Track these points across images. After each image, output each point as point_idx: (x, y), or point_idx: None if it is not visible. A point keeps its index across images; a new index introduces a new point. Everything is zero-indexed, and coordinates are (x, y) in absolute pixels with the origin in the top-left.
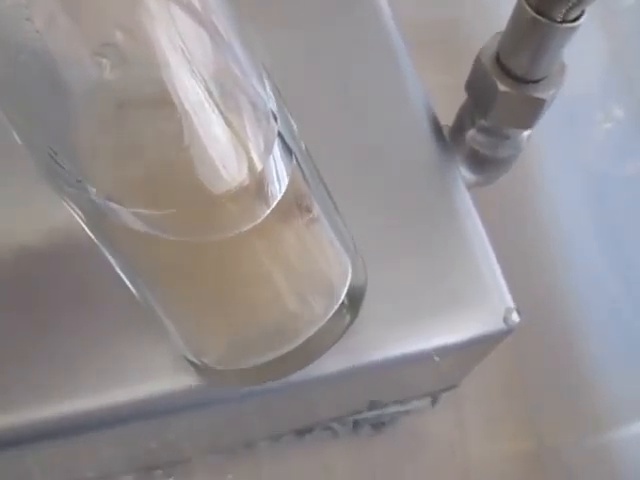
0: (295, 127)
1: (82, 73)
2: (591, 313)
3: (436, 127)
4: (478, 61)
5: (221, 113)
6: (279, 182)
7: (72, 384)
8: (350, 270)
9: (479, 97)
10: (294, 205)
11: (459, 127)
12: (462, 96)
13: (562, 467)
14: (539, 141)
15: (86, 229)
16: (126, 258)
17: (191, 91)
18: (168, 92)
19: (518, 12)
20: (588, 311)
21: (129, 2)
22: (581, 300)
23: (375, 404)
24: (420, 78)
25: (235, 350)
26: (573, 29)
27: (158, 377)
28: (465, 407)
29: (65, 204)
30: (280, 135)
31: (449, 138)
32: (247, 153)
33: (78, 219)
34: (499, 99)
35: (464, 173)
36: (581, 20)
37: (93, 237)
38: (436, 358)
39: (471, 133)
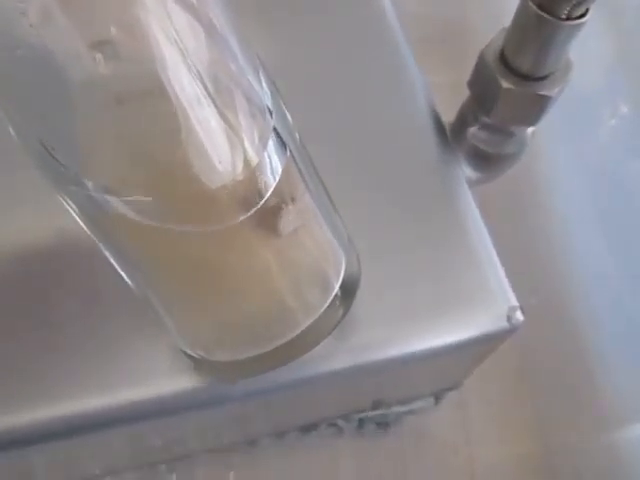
0: (290, 120)
1: (78, 67)
2: (597, 312)
3: (438, 124)
4: (481, 58)
5: (216, 107)
6: (273, 175)
7: (72, 383)
8: (344, 262)
9: (482, 94)
10: (287, 197)
11: (461, 124)
12: (464, 93)
13: (567, 467)
14: (544, 138)
15: (80, 222)
16: (121, 250)
17: (186, 85)
18: (163, 86)
19: (522, 9)
20: (594, 310)
21: None
22: (586, 299)
23: (378, 403)
24: (422, 74)
25: (230, 341)
26: (578, 26)
27: (159, 376)
28: (470, 407)
29: (59, 197)
30: (275, 130)
31: (450, 135)
32: (242, 147)
33: (72, 212)
34: (502, 96)
35: (466, 170)
36: (586, 18)
37: (88, 230)
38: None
39: (473, 130)
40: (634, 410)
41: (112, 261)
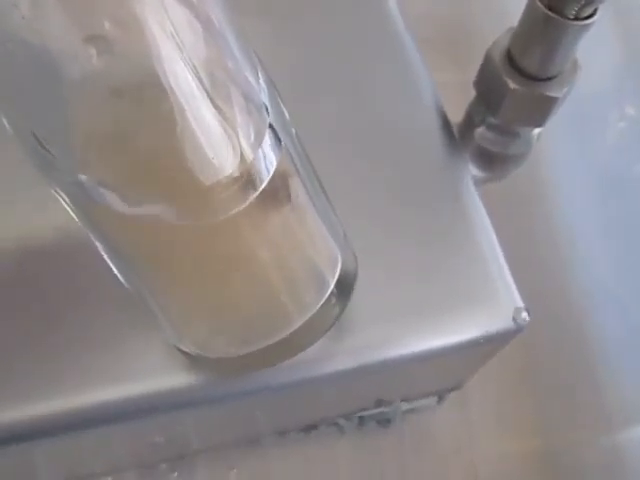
0: (287, 117)
1: (72, 61)
2: (601, 312)
3: (445, 124)
4: (488, 58)
5: (212, 103)
6: (268, 171)
7: (67, 381)
8: (340, 260)
9: (488, 94)
10: (282, 192)
11: (468, 124)
12: (472, 93)
13: (569, 467)
14: (550, 139)
15: (74, 216)
16: (114, 244)
17: (182, 80)
18: (159, 81)
19: (530, 9)
20: (597, 310)
21: None
22: (591, 299)
23: (381, 402)
24: (429, 74)
25: (224, 338)
26: (586, 27)
27: (153, 372)
28: (472, 405)
29: (53, 191)
30: (271, 126)
31: (458, 135)
32: (238, 143)
33: (66, 206)
34: (509, 97)
35: (472, 170)
36: (594, 18)
37: (80, 223)
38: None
39: (480, 130)
40: (636, 410)
41: (105, 256)
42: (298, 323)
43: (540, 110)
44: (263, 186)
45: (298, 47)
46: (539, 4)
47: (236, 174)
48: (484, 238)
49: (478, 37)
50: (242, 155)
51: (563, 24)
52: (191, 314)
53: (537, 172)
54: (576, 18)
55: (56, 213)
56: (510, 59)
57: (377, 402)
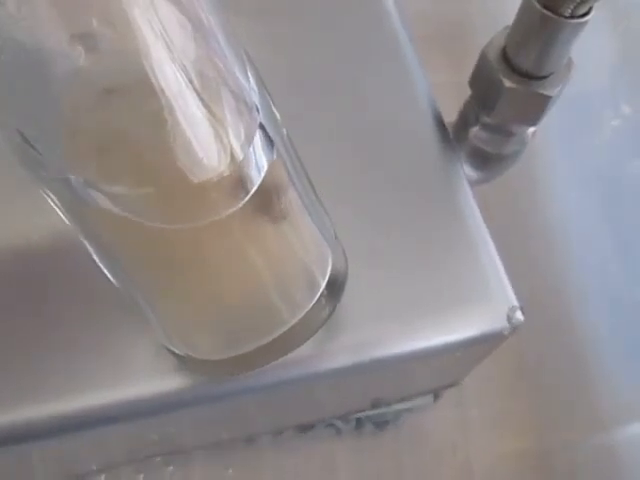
0: (278, 117)
1: (60, 59)
2: (595, 312)
3: (440, 124)
4: (483, 56)
5: (202, 102)
6: (258, 171)
7: (58, 382)
8: (330, 260)
9: (483, 93)
10: (273, 193)
11: (462, 124)
12: (466, 93)
13: (565, 466)
14: (545, 138)
15: (62, 215)
16: (103, 243)
17: (171, 79)
18: (149, 79)
19: (526, 7)
20: (592, 310)
21: None
22: (585, 299)
23: (378, 402)
24: (424, 74)
25: (214, 339)
26: (581, 25)
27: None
28: (468, 406)
29: (42, 192)
30: (261, 126)
31: (452, 135)
32: (228, 143)
33: (53, 205)
34: (504, 95)
35: (467, 170)
36: (590, 16)
37: (69, 223)
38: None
39: (474, 130)
40: (632, 409)
41: (93, 255)
42: (288, 324)
43: (535, 108)
44: (255, 187)
45: (295, 46)
46: (535, 2)
47: (226, 173)
48: (478, 237)
49: (474, 36)
50: (232, 154)
51: (558, 22)
52: (180, 315)
53: (531, 170)
54: (571, 16)
55: (50, 213)
56: (505, 58)
57: (373, 403)
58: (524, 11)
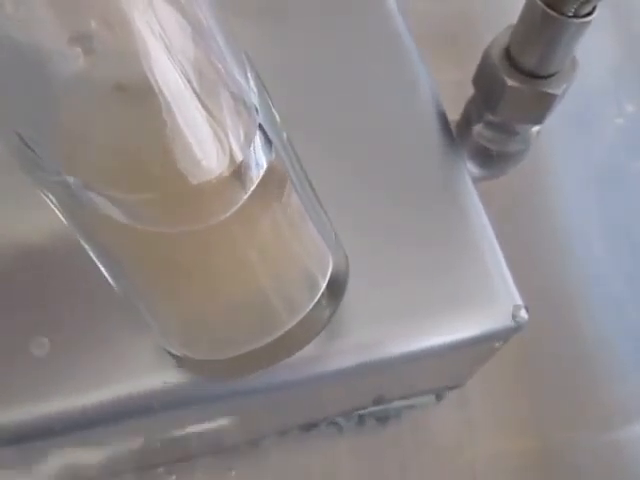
0: (278, 118)
1: (58, 60)
2: (598, 311)
3: (443, 122)
4: (487, 55)
5: (201, 103)
6: (258, 172)
7: (61, 383)
8: (331, 261)
9: (487, 91)
10: (272, 194)
11: (466, 122)
12: (470, 91)
13: (568, 465)
14: (548, 136)
15: (62, 218)
16: (103, 247)
17: (170, 80)
18: (147, 80)
19: (529, 6)
20: (595, 309)
21: None
22: (588, 298)
23: (380, 399)
24: (428, 72)
25: (214, 340)
26: (585, 24)
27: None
28: (470, 405)
29: (41, 193)
30: (261, 127)
31: (456, 133)
32: (227, 144)
33: (54, 207)
34: (508, 94)
35: (470, 168)
36: (593, 15)
37: (67, 224)
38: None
39: (478, 128)
40: (635, 409)
41: (92, 256)
42: (288, 325)
43: (538, 107)
44: (253, 187)
45: (297, 46)
46: (538, 2)
47: (225, 174)
48: (482, 236)
49: (477, 34)
50: (231, 156)
51: (562, 22)
52: (179, 316)
53: (535, 169)
54: (575, 16)
55: (50, 213)
56: (509, 56)
57: (376, 400)
58: (527, 10)
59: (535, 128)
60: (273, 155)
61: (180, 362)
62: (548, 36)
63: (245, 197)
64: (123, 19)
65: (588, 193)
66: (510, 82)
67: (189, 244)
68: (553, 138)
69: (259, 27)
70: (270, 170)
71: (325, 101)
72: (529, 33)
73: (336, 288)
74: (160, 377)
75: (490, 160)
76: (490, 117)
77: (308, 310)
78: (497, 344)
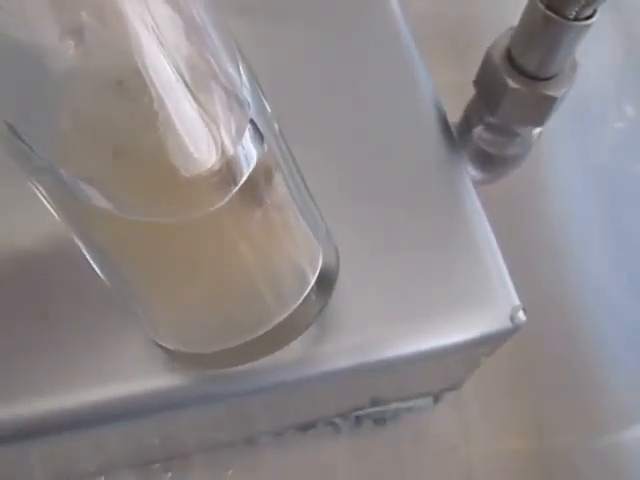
0: (270, 112)
1: (50, 53)
2: (597, 313)
3: (444, 124)
4: (488, 57)
5: (193, 97)
6: (248, 166)
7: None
8: (321, 256)
9: (488, 93)
10: (263, 187)
11: (466, 124)
12: (470, 93)
13: (566, 467)
14: (548, 139)
15: (53, 212)
16: (93, 239)
17: (163, 74)
18: (140, 74)
19: (530, 9)
20: (594, 311)
21: None
22: (588, 300)
23: (377, 401)
24: (428, 74)
25: (203, 333)
26: (586, 27)
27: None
28: (468, 406)
29: (31, 185)
30: (252, 121)
31: (456, 135)
32: (219, 138)
33: (42, 198)
34: (508, 96)
35: (470, 171)
36: (594, 18)
37: (59, 218)
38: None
39: (478, 131)
40: (633, 411)
41: (83, 250)
42: (277, 319)
43: (539, 109)
44: (243, 180)
45: (297, 46)
46: (539, 4)
47: (216, 167)
48: (481, 237)
49: (479, 36)
50: (223, 149)
51: (563, 24)
52: (169, 309)
53: (535, 172)
54: (576, 19)
55: (44, 214)
56: (510, 58)
57: (373, 401)
58: (529, 12)
59: (536, 131)
60: (264, 149)
61: (170, 355)
62: (549, 39)
63: (235, 190)
64: (116, 13)
65: (588, 196)
66: (511, 84)
67: (179, 236)
68: (553, 140)
69: (259, 27)
70: (261, 164)
71: (325, 101)
72: (530, 35)
73: (326, 282)
74: (159, 377)
75: (490, 163)
76: (490, 119)
77: (298, 304)
78: (495, 345)
